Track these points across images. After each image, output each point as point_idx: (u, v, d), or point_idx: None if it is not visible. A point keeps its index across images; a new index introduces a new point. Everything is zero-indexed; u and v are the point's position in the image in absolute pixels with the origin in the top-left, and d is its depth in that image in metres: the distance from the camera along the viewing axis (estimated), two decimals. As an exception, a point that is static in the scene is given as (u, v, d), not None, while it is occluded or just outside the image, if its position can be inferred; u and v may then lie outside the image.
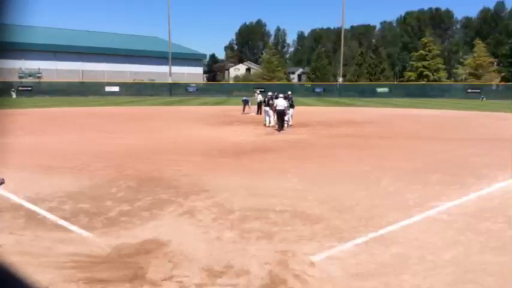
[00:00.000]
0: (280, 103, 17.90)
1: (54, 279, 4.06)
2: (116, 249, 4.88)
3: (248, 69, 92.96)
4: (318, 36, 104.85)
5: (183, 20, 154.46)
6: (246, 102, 27.40)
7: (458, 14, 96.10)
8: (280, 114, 18.00)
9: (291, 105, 19.33)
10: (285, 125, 18.80)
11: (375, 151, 12.61)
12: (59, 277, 4.14)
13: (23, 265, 4.07)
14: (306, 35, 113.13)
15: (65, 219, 5.92)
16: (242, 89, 52.39)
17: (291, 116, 19.49)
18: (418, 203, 6.84)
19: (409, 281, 4.18)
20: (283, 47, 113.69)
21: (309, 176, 9.02)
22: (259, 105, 25.82)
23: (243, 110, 26.95)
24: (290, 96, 20.06)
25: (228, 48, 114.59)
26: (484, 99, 48.96)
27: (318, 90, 58.64)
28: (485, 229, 5.69)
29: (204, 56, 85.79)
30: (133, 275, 4.21)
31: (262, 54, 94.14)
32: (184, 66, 68.96)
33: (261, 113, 24.41)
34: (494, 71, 66.28)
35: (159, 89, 57.77)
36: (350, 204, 6.81)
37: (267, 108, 19.79)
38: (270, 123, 19.29)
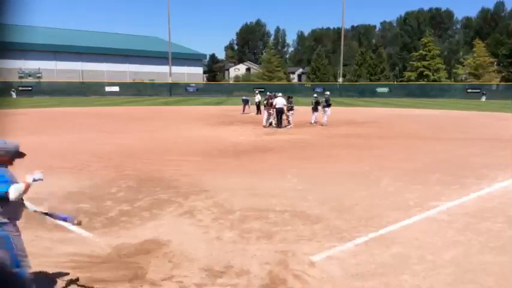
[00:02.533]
0: (280, 102, 18.43)
1: (54, 279, 4.07)
2: (116, 249, 4.88)
3: (248, 69, 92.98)
4: (318, 36, 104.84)
5: (183, 20, 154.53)
6: (246, 102, 27.44)
7: (458, 14, 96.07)
8: (279, 113, 18.41)
9: (328, 105, 20.07)
10: (289, 125, 18.88)
11: (375, 151, 12.61)
12: (59, 277, 4.14)
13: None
14: (306, 35, 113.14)
15: (65, 219, 5.91)
16: (242, 89, 52.44)
17: (327, 115, 19.94)
18: (418, 203, 6.84)
19: (409, 281, 4.19)
20: (283, 47, 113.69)
21: (309, 176, 9.02)
22: (258, 105, 25.92)
23: (243, 110, 26.99)
24: (327, 97, 20.65)
25: (228, 48, 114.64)
26: (484, 98, 48.92)
27: (318, 90, 58.56)
28: (485, 229, 5.69)
29: (204, 56, 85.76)
30: (134, 275, 4.21)
31: (262, 54, 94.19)
32: (184, 66, 68.98)
33: (260, 113, 24.48)
34: (494, 71, 66.28)
35: (159, 89, 57.79)
36: (350, 204, 6.81)
37: (266, 108, 19.98)
38: (267, 122, 19.34)
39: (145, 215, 6.20)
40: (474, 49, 66.69)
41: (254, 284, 4.08)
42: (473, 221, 6.01)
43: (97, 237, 5.27)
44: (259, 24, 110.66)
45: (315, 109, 20.27)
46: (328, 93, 21.42)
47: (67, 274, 4.20)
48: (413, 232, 5.57)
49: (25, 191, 3.36)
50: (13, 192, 3.26)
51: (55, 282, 4.03)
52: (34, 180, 3.48)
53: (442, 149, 13.06)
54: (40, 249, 4.83)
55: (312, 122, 20.17)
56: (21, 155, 3.66)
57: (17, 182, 3.42)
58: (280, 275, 4.25)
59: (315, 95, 21.39)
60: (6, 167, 3.55)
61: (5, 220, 3.29)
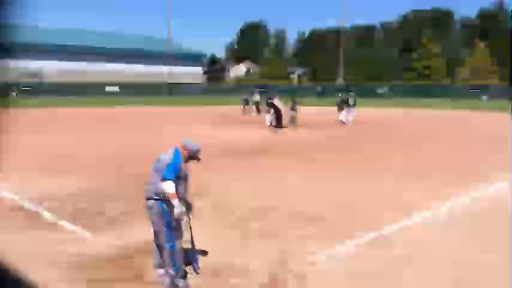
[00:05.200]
0: (277, 102, 18.56)
1: (54, 279, 4.07)
2: (116, 249, 4.89)
3: (248, 70, 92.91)
4: (318, 36, 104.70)
5: (183, 20, 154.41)
6: (246, 102, 27.49)
7: (458, 14, 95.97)
8: (277, 112, 18.46)
9: (354, 104, 20.93)
10: (290, 125, 18.95)
11: (375, 151, 12.61)
12: (59, 277, 4.14)
13: (23, 265, 4.08)
14: (306, 35, 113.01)
15: (65, 219, 5.92)
16: (242, 89, 52.41)
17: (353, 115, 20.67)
18: (418, 203, 6.84)
19: (408, 280, 4.19)
20: (283, 47, 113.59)
21: (309, 175, 9.02)
22: (258, 105, 25.98)
23: (243, 110, 27.02)
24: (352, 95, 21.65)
25: (228, 48, 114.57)
26: (486, 98, 48.96)
27: (318, 90, 58.59)
28: (485, 229, 5.69)
29: (204, 56, 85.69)
30: (134, 275, 4.21)
31: (262, 54, 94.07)
32: (184, 66, 68.94)
33: (259, 113, 24.52)
34: (494, 71, 66.24)
35: (159, 89, 57.74)
36: (350, 204, 6.81)
37: (267, 108, 20.05)
38: (270, 123, 19.36)
39: (145, 215, 6.18)
40: (474, 49, 66.68)
41: (254, 284, 4.08)
42: (473, 221, 6.02)
43: (97, 237, 5.27)
44: (259, 24, 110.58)
45: (340, 108, 21.17)
46: (352, 92, 22.53)
47: (67, 274, 4.20)
48: (413, 232, 5.58)
49: (169, 195, 3.80)
50: (165, 186, 3.78)
51: (55, 282, 4.03)
52: (175, 209, 3.80)
53: (442, 149, 13.06)
54: (40, 249, 4.83)
55: (339, 120, 21.03)
56: (197, 158, 4.32)
57: (185, 175, 4.19)
58: (280, 275, 4.25)
59: (340, 94, 22.84)
60: (184, 161, 4.15)
61: (159, 197, 3.85)
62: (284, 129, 18.23)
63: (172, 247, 3.87)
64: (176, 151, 4.10)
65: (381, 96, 55.28)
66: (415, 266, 4.50)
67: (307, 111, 25.10)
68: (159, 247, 3.97)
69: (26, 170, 8.98)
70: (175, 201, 3.78)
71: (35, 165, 9.78)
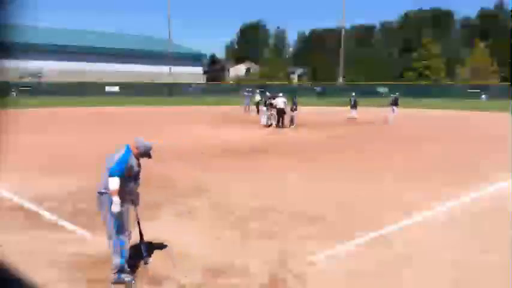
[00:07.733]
0: (280, 102, 18.57)
1: (54, 279, 4.07)
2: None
3: (248, 69, 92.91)
4: (318, 36, 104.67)
5: (183, 20, 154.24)
6: (247, 98, 27.73)
7: (458, 14, 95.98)
8: (280, 113, 18.42)
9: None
10: (292, 125, 18.95)
11: (375, 151, 12.62)
12: (59, 277, 4.14)
13: (23, 265, 4.07)
14: (306, 35, 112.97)
15: (65, 219, 5.92)
16: (242, 89, 52.42)
17: (395, 115, 22.62)
18: (418, 203, 6.84)
19: (408, 280, 4.19)
20: (283, 47, 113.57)
21: (309, 175, 9.02)
22: (258, 105, 26.02)
23: (245, 108, 27.18)
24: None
25: (228, 48, 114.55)
26: (485, 97, 48.99)
27: (318, 90, 58.58)
28: (485, 229, 5.69)
29: (204, 56, 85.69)
30: (133, 275, 4.21)
31: (262, 54, 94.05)
32: (184, 66, 68.95)
33: (259, 113, 24.55)
34: (494, 71, 66.26)
35: (159, 89, 57.70)
36: (350, 204, 6.81)
37: (264, 108, 20.07)
38: (267, 123, 19.36)
39: (145, 215, 6.18)
40: (474, 49, 66.73)
41: (254, 283, 4.08)
42: (473, 221, 6.02)
43: (97, 237, 5.27)
44: (259, 24, 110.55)
45: (353, 107, 23.41)
46: (397, 93, 24.38)
47: (67, 274, 4.20)
48: (413, 232, 5.58)
49: (112, 192, 3.90)
50: (110, 181, 3.87)
51: (55, 282, 4.03)
52: (114, 205, 3.91)
53: (442, 149, 13.06)
54: (40, 249, 4.83)
55: (349, 117, 23.06)
56: (148, 156, 4.37)
57: (133, 171, 4.23)
58: (280, 275, 4.26)
59: (353, 93, 24.16)
60: (136, 158, 4.28)
61: (107, 192, 3.93)
62: (284, 129, 18.24)
63: (121, 240, 4.03)
64: (127, 148, 4.24)
65: (381, 95, 55.22)
66: (415, 266, 4.50)
67: (307, 111, 25.11)
68: (109, 238, 4.10)
69: (26, 170, 8.98)
70: (115, 198, 3.88)
71: (35, 165, 9.77)
